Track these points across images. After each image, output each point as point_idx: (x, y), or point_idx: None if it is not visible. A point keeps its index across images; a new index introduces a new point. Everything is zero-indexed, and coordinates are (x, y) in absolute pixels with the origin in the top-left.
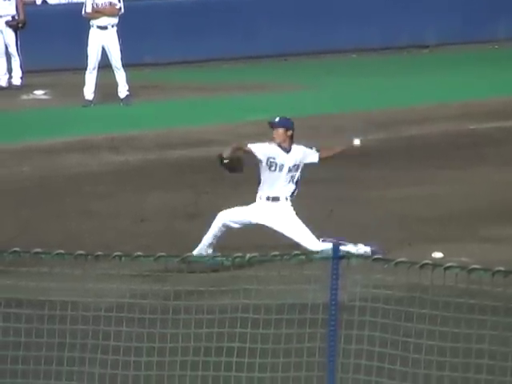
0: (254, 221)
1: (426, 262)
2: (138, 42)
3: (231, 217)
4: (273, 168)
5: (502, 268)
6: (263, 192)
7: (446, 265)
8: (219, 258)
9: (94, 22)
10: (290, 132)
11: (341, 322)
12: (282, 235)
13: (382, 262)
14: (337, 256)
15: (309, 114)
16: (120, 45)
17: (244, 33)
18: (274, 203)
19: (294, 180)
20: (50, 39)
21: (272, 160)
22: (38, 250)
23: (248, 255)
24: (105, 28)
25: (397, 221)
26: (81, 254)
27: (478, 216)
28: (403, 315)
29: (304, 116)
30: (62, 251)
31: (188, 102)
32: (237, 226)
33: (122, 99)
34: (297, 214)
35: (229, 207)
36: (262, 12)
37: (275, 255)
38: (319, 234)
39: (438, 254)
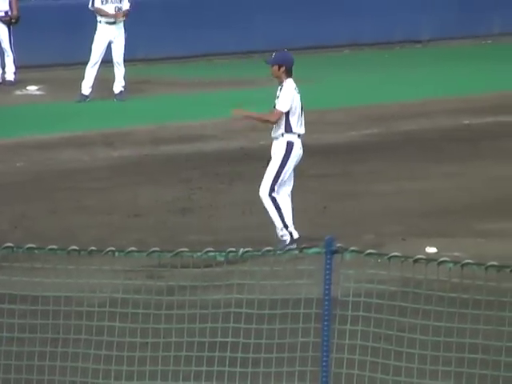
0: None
1: (420, 256)
2: (130, 37)
3: (273, 182)
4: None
5: (495, 262)
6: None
7: (440, 259)
8: (212, 253)
9: (102, 19)
10: (283, 68)
11: (334, 316)
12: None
13: (376, 257)
14: (330, 250)
15: (304, 109)
16: (125, 40)
17: (238, 28)
18: (274, 142)
19: (279, 120)
20: (44, 35)
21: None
22: (32, 245)
23: (241, 250)
24: (113, 23)
25: (391, 215)
26: (74, 249)
27: (472, 211)
28: (397, 310)
29: None
30: (55, 246)
31: (181, 98)
32: (283, 185)
33: (115, 94)
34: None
35: (222, 203)
36: (255, 7)
37: (268, 250)
38: (313, 229)
39: (431, 249)
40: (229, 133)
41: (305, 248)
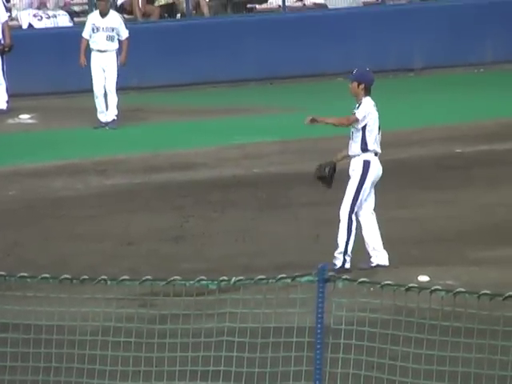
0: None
1: (412, 285)
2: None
3: (352, 203)
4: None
5: (487, 291)
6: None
7: (432, 288)
8: (205, 282)
9: (94, 46)
10: (362, 85)
11: (327, 345)
12: None
13: (368, 285)
14: (322, 279)
15: (296, 137)
16: (118, 69)
17: (229, 56)
18: (352, 160)
19: (355, 138)
20: (36, 63)
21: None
22: (24, 273)
23: (234, 278)
24: (104, 51)
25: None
26: (66, 278)
27: (464, 238)
28: (389, 338)
29: (291, 139)
30: (47, 275)
31: (174, 126)
32: (364, 203)
33: (108, 122)
34: (282, 237)
35: (215, 231)
36: (247, 35)
37: (261, 279)
38: (306, 257)
39: (424, 278)
40: (221, 161)
41: (297, 276)
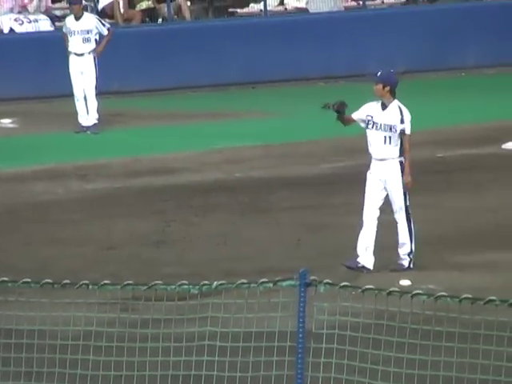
0: (381, 187)
1: (394, 289)
2: (104, 69)
3: (373, 205)
4: (370, 126)
5: (469, 295)
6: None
7: (413, 292)
8: (186, 286)
9: (71, 49)
10: (387, 88)
11: (308, 349)
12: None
13: (350, 289)
14: (304, 283)
15: (277, 142)
16: (97, 73)
17: (211, 60)
18: (383, 163)
19: (395, 142)
20: (17, 68)
21: (369, 118)
22: (5, 278)
23: (215, 283)
24: (81, 55)
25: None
26: (48, 283)
27: (445, 243)
28: (371, 342)
29: (273, 143)
30: (28, 279)
31: (155, 130)
32: (380, 209)
33: (89, 127)
34: (264, 242)
35: (196, 235)
36: (228, 40)
37: (242, 283)
38: (287, 261)
39: (405, 282)
40: (203, 165)
41: (279, 280)
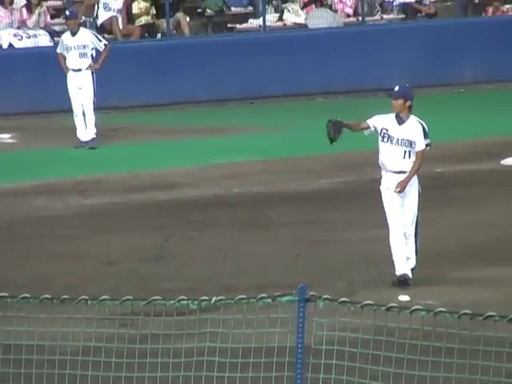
0: (400, 201)
1: (393, 304)
2: (103, 84)
3: (399, 219)
4: (385, 139)
5: (468, 311)
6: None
7: (412, 308)
8: (185, 302)
9: (68, 65)
10: (408, 102)
11: (307, 365)
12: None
13: (349, 305)
14: (303, 298)
15: (276, 157)
16: (95, 88)
17: (210, 76)
18: (398, 176)
19: (412, 155)
20: (16, 83)
21: (385, 131)
22: (4, 293)
23: (214, 298)
24: (78, 70)
25: (364, 263)
26: (47, 298)
27: (444, 258)
28: (370, 358)
29: (272, 158)
30: (27, 295)
31: (154, 145)
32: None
33: (87, 142)
34: (263, 257)
35: (195, 251)
36: (227, 55)
37: (241, 298)
38: (286, 277)
39: (404, 297)
40: (202, 180)
41: (278, 296)
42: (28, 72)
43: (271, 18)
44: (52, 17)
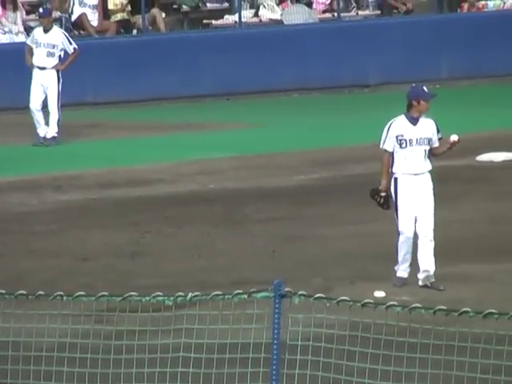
0: (413, 202)
1: (368, 300)
2: (78, 80)
3: (409, 226)
4: (403, 145)
5: (443, 307)
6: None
7: (388, 304)
8: (161, 298)
9: (34, 62)
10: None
11: (283, 361)
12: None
13: (324, 301)
14: (279, 294)
15: (253, 153)
16: (59, 87)
17: (186, 72)
18: (417, 177)
19: (428, 155)
20: None
21: (401, 137)
22: None
23: (190, 294)
24: (43, 69)
25: (340, 259)
26: (22, 294)
27: None
28: (345, 354)
29: (248, 155)
30: (3, 291)
31: (130, 141)
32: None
33: (47, 139)
34: (239, 253)
35: (171, 247)
36: (203, 51)
37: (217, 294)
38: (262, 273)
39: (380, 293)
40: (177, 176)
41: (253, 292)
42: (3, 68)
43: (247, 13)
44: (27, 13)
